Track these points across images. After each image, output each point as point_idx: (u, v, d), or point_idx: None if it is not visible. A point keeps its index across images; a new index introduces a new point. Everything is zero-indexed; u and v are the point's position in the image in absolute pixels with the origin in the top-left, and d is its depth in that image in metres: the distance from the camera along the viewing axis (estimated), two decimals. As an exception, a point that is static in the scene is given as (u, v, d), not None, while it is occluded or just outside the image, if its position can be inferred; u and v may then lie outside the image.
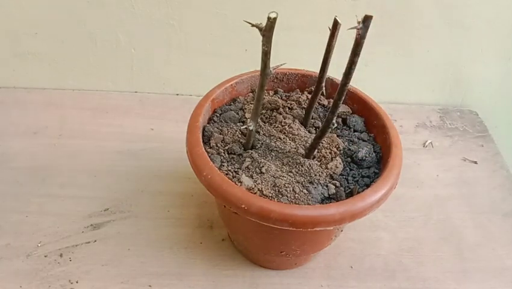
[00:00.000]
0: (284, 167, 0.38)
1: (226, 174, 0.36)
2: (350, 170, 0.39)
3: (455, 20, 0.63)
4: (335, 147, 0.40)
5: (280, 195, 0.35)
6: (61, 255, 0.45)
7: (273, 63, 0.32)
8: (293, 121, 0.42)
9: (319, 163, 0.39)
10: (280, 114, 0.43)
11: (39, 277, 0.43)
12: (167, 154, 0.58)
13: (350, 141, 0.42)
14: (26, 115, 0.63)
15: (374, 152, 0.40)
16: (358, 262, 0.47)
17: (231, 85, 0.44)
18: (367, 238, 0.49)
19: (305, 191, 0.36)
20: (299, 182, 0.36)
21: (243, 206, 0.32)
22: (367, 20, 0.28)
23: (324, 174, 0.38)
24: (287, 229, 0.32)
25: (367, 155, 0.39)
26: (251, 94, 0.47)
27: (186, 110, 0.41)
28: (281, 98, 0.46)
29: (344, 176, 0.38)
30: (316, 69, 0.40)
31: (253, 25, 0.29)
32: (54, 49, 0.65)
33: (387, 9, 0.62)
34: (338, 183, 0.37)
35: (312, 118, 0.44)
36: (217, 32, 0.63)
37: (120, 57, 0.66)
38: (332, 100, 0.43)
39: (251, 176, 0.36)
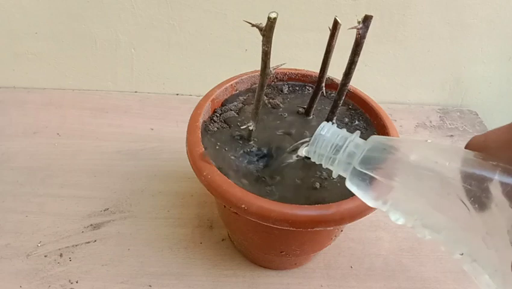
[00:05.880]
0: (284, 167, 0.38)
1: (226, 174, 0.36)
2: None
3: (455, 20, 0.63)
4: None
5: (280, 195, 0.35)
6: (61, 255, 0.45)
7: (273, 63, 0.32)
8: (293, 121, 0.42)
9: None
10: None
11: (39, 277, 0.43)
12: (167, 154, 0.58)
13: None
14: (25, 115, 0.63)
15: (374, 152, 0.40)
16: (358, 262, 0.47)
17: (231, 85, 0.44)
18: (367, 238, 0.49)
19: (305, 191, 0.36)
20: (299, 182, 0.36)
21: (243, 206, 0.32)
22: (367, 20, 0.28)
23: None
24: (287, 229, 0.32)
25: (367, 155, 0.39)
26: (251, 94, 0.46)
27: (186, 110, 0.41)
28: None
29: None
30: (316, 69, 0.40)
31: (253, 25, 0.29)
32: (54, 49, 0.65)
33: (387, 9, 0.62)
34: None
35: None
36: (217, 32, 0.63)
37: (120, 57, 0.66)
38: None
39: (251, 176, 0.36)
